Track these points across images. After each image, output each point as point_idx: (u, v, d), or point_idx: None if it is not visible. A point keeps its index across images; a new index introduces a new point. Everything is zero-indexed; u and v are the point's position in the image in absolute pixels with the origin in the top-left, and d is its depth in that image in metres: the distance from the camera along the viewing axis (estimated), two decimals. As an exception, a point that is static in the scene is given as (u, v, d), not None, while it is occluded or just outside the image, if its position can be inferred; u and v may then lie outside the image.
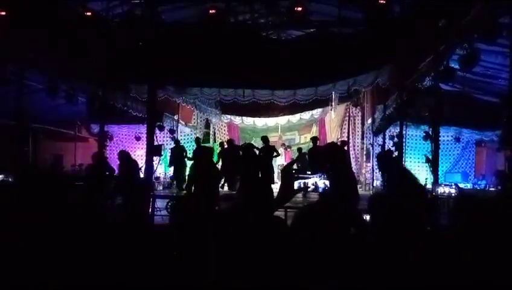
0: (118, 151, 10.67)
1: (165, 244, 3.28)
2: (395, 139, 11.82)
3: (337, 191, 5.61)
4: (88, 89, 11.20)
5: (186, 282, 2.87)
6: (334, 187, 5.75)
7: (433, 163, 8.82)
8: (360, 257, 2.87)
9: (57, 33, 9.02)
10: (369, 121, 15.44)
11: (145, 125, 9.91)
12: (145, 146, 8.47)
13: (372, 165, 14.57)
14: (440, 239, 3.31)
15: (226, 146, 13.76)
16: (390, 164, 6.10)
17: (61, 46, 9.60)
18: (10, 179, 9.75)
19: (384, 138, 13.40)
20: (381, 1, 9.04)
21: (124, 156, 9.93)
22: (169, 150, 14.77)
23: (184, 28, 11.30)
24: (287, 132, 18.27)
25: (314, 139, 14.10)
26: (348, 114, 17.61)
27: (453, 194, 8.18)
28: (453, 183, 9.92)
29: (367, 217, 4.17)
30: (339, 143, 15.02)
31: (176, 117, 16.72)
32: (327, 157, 6.47)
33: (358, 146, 17.55)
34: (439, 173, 8.96)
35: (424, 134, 9.94)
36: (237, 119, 17.84)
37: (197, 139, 14.80)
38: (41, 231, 3.70)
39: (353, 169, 14.27)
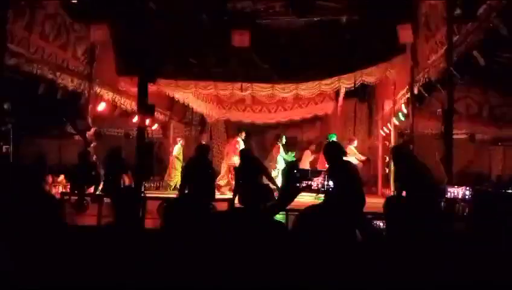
0: (106, 149, 10.67)
1: (157, 250, 3.26)
2: (405, 137, 11.80)
3: (340, 192, 5.58)
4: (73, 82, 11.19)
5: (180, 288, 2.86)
6: (337, 188, 5.73)
7: (446, 162, 8.80)
8: (367, 263, 2.85)
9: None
10: (377, 117, 15.42)
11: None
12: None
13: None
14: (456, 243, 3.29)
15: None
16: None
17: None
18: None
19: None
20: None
21: (115, 154, 9.92)
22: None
23: (178, 17, 11.29)
24: (288, 129, 18.20)
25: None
26: (354, 110, 17.55)
27: (467, 197, 8.11)
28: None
29: (377, 222, 4.14)
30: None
31: (168, 113, 16.71)
32: (328, 156, 6.45)
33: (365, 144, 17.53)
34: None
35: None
36: (234, 116, 17.76)
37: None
38: (20, 235, 3.68)
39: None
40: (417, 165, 6.90)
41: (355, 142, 13.34)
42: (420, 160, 7.17)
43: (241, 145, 13.35)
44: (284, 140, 14.60)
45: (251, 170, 8.50)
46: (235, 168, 9.28)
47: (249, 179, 8.46)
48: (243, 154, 9.00)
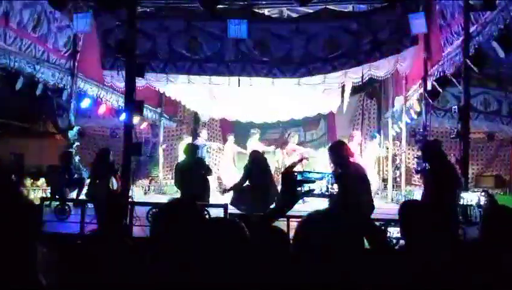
0: (91, 150, 10.67)
1: (146, 260, 3.24)
2: (417, 137, 11.80)
3: (346, 197, 5.58)
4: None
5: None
6: (343, 193, 5.73)
7: (462, 164, 8.78)
8: (376, 275, 2.84)
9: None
10: (387, 114, 15.42)
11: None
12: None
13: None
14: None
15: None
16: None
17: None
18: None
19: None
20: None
21: (101, 156, 9.91)
22: None
23: (169, 5, 11.28)
24: (290, 128, 18.19)
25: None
26: (361, 107, 17.56)
27: (482, 203, 8.10)
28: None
29: (390, 229, 4.13)
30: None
31: (159, 110, 16.69)
32: (333, 157, 6.44)
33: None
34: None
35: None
36: (231, 113, 17.70)
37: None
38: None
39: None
40: (450, 166, 6.95)
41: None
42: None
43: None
44: (296, 139, 14.65)
45: (262, 174, 8.61)
46: (244, 167, 9.31)
47: (257, 182, 8.57)
48: (256, 156, 9.05)
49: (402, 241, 3.85)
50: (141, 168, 16.83)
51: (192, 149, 9.64)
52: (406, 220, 3.41)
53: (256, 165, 8.83)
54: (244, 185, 8.93)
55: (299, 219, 2.37)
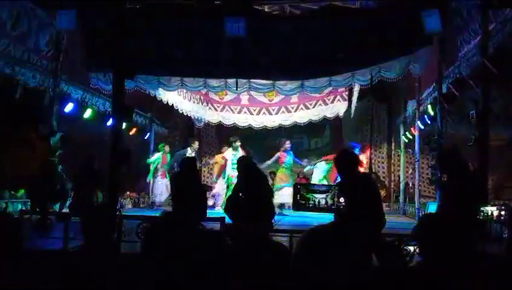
0: (77, 158, 10.66)
1: (135, 279, 3.26)
2: (432, 144, 11.80)
3: (353, 210, 5.59)
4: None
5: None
6: (350, 206, 5.74)
7: (481, 175, 8.79)
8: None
9: None
10: (399, 120, 15.46)
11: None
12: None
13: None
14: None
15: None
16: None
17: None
18: None
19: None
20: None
21: (85, 165, 9.91)
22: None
23: (160, 1, 11.31)
24: (292, 134, 18.24)
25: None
26: (370, 112, 17.58)
27: (502, 217, 8.13)
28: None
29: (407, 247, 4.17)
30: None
31: (149, 115, 16.72)
32: (339, 167, 6.45)
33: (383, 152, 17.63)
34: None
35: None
36: (228, 119, 17.74)
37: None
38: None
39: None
40: (472, 176, 6.95)
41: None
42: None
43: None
44: (285, 145, 14.54)
45: (256, 186, 8.56)
46: (238, 180, 9.32)
47: (253, 196, 8.52)
48: (245, 163, 9.00)
49: (416, 258, 3.87)
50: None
51: (188, 164, 9.62)
52: (427, 235, 3.40)
53: (245, 173, 8.80)
54: (239, 195, 8.88)
55: (302, 234, 2.39)
